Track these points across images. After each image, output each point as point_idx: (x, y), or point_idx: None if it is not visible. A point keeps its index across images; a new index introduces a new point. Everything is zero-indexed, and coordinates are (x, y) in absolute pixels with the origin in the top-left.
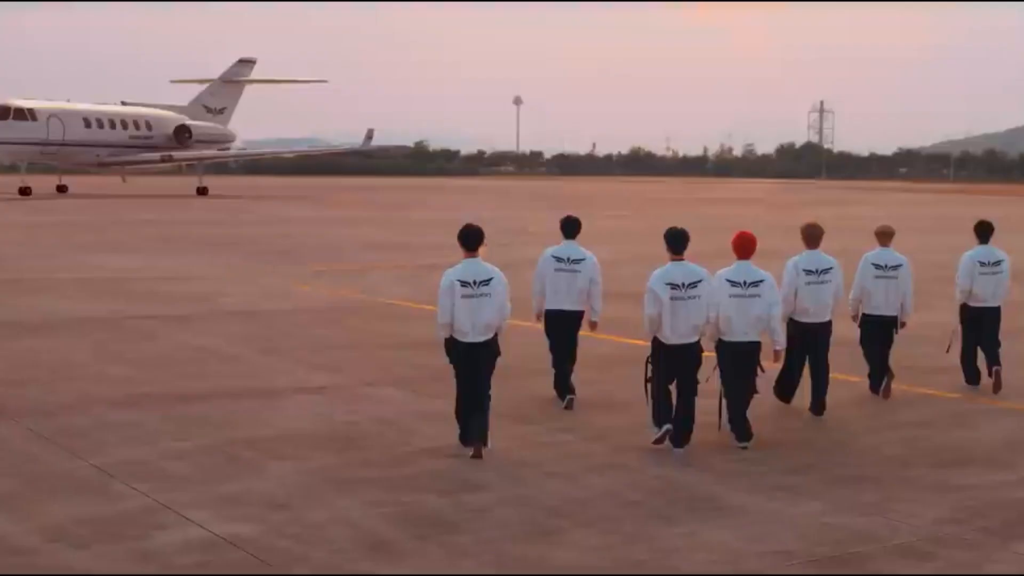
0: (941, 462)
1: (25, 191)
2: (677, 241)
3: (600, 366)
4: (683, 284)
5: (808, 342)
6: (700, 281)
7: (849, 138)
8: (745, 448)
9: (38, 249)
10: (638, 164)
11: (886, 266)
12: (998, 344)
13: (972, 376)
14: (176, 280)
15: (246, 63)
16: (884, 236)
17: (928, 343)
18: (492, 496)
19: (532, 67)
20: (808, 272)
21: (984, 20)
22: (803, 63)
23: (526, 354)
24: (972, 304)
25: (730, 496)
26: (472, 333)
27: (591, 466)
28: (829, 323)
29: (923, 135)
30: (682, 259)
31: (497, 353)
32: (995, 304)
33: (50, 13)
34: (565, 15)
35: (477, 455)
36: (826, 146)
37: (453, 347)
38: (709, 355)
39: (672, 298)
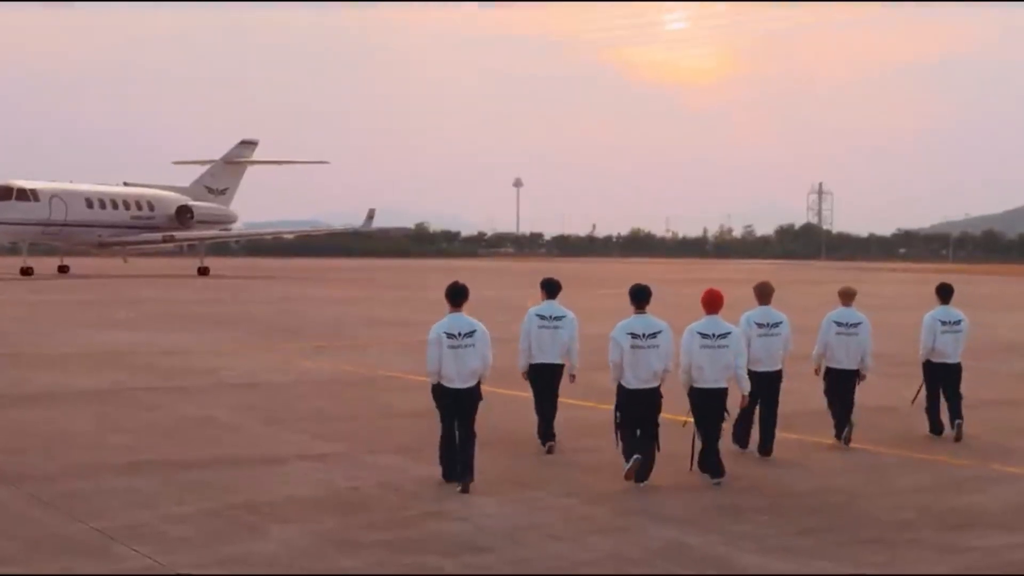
0: (948, 525)
1: (27, 271)
2: (640, 296)
3: (599, 433)
4: (643, 334)
5: (761, 389)
6: (659, 332)
7: (848, 219)
8: (718, 484)
9: (39, 325)
10: (638, 245)
11: (847, 324)
12: (960, 397)
13: (936, 427)
14: (178, 354)
15: (248, 144)
16: (846, 296)
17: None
18: (495, 558)
19: (532, 150)
20: (760, 325)
21: (982, 104)
22: (802, 146)
23: (521, 419)
24: (934, 360)
25: (738, 557)
26: (458, 380)
27: (595, 529)
28: (780, 372)
29: (922, 216)
30: (644, 312)
31: (479, 398)
32: (955, 361)
33: (53, 94)
34: (565, 99)
35: (464, 490)
36: (825, 227)
37: (441, 393)
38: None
39: (633, 346)
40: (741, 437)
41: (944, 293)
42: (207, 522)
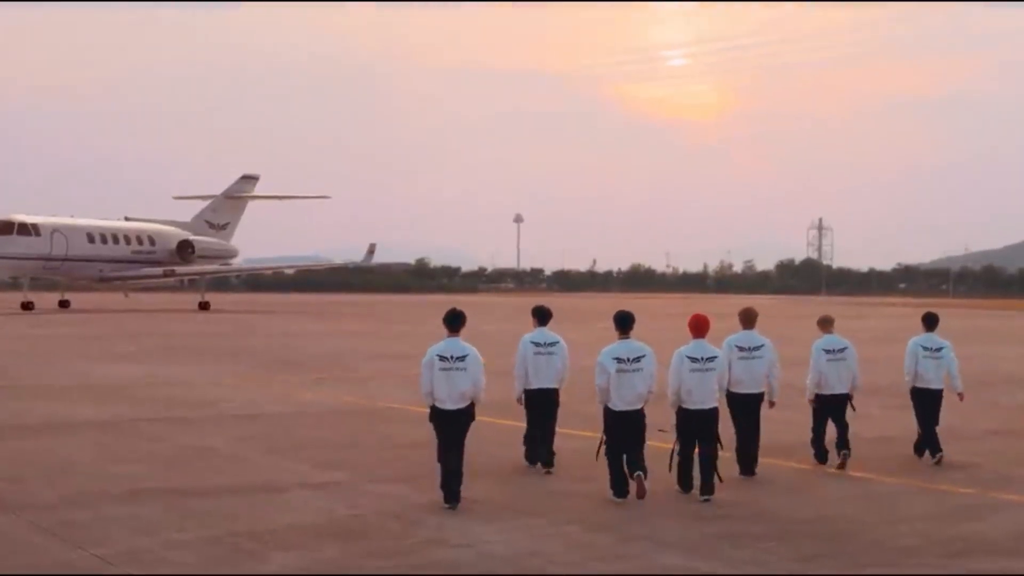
0: (953, 552)
1: (27, 306)
2: (624, 322)
3: (597, 462)
4: (628, 359)
5: (743, 410)
6: (643, 356)
7: (848, 254)
8: (707, 500)
9: (40, 358)
10: (638, 280)
11: (834, 350)
12: (935, 422)
13: (933, 449)
14: (178, 386)
15: (249, 179)
16: (826, 324)
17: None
18: None
19: (533, 185)
20: (741, 348)
21: (982, 139)
22: (801, 181)
23: (518, 448)
24: (918, 385)
25: None
26: (449, 401)
27: (597, 555)
28: (761, 394)
29: (922, 251)
30: (628, 338)
31: (472, 417)
32: (938, 387)
33: (53, 128)
34: (565, 134)
35: (451, 504)
36: (825, 262)
37: (435, 413)
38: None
39: (618, 370)
40: (744, 464)
41: (929, 321)
42: (208, 549)
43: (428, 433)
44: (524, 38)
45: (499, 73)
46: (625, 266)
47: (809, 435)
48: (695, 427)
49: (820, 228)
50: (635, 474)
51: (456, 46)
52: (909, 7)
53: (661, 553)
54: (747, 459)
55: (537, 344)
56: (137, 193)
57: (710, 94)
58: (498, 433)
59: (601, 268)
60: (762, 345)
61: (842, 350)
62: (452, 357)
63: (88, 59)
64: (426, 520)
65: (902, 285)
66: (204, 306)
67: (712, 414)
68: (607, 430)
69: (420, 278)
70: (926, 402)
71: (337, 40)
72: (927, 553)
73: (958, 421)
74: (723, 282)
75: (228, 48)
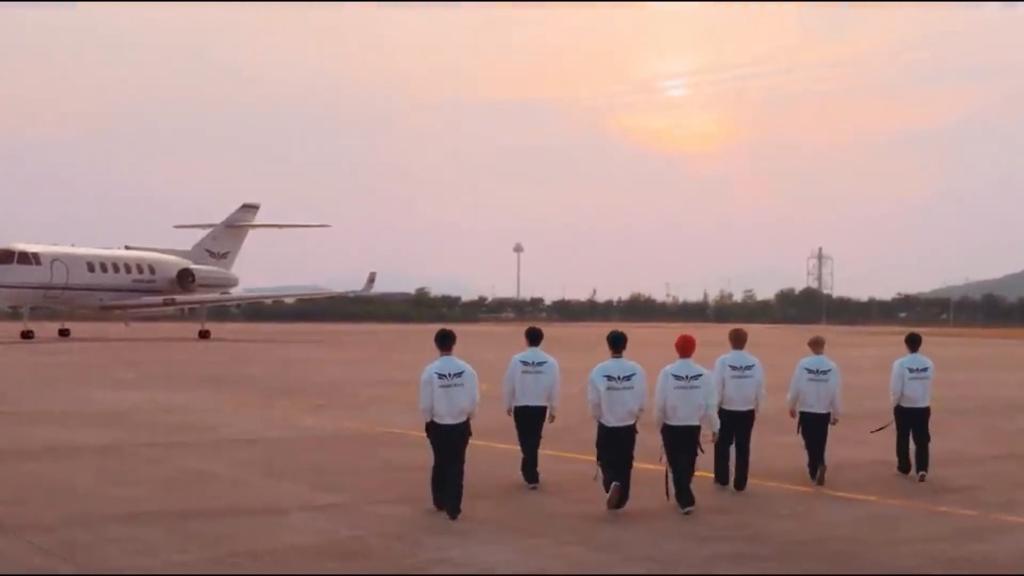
0: (957, 573)
1: (28, 335)
2: (616, 342)
3: (597, 485)
4: (618, 377)
5: (734, 427)
6: (633, 375)
7: (848, 284)
8: (688, 512)
9: (41, 385)
10: (638, 310)
11: (817, 371)
12: (927, 439)
13: (903, 465)
14: (178, 412)
15: (249, 208)
16: (816, 345)
17: (941, 466)
18: None
19: (532, 215)
20: (733, 368)
21: (981, 169)
22: (801, 211)
23: (516, 471)
24: (904, 405)
25: None
26: (448, 416)
27: (601, 574)
28: (752, 411)
29: (922, 281)
30: (620, 357)
31: (469, 434)
32: (924, 405)
33: (53, 157)
34: (565, 164)
35: (452, 517)
36: (825, 291)
37: (433, 428)
38: None
39: (608, 388)
40: (720, 474)
41: (912, 342)
42: (209, 568)
43: (428, 456)
44: (523, 69)
45: (499, 103)
46: (625, 295)
47: (806, 458)
48: (680, 443)
49: (820, 257)
50: (613, 483)
51: (455, 76)
52: (910, 39)
53: (666, 572)
54: (738, 477)
55: (526, 363)
56: (138, 222)
57: (710, 124)
58: (496, 456)
59: (601, 298)
60: (752, 365)
61: (825, 372)
62: (450, 374)
63: (88, 86)
64: (428, 541)
65: (902, 314)
66: (204, 335)
67: (694, 431)
68: (599, 444)
69: (420, 308)
70: (913, 420)
71: (337, 70)
72: (930, 573)
73: (959, 445)
74: (723, 311)
75: (229, 77)
